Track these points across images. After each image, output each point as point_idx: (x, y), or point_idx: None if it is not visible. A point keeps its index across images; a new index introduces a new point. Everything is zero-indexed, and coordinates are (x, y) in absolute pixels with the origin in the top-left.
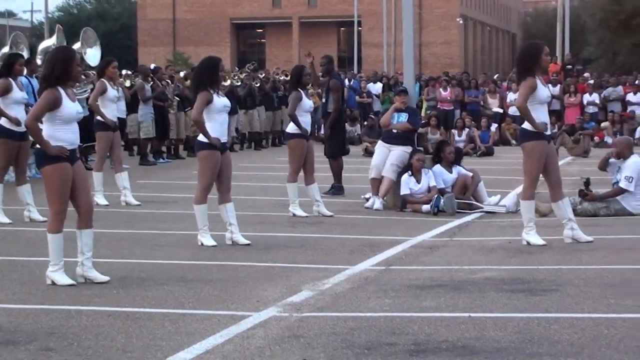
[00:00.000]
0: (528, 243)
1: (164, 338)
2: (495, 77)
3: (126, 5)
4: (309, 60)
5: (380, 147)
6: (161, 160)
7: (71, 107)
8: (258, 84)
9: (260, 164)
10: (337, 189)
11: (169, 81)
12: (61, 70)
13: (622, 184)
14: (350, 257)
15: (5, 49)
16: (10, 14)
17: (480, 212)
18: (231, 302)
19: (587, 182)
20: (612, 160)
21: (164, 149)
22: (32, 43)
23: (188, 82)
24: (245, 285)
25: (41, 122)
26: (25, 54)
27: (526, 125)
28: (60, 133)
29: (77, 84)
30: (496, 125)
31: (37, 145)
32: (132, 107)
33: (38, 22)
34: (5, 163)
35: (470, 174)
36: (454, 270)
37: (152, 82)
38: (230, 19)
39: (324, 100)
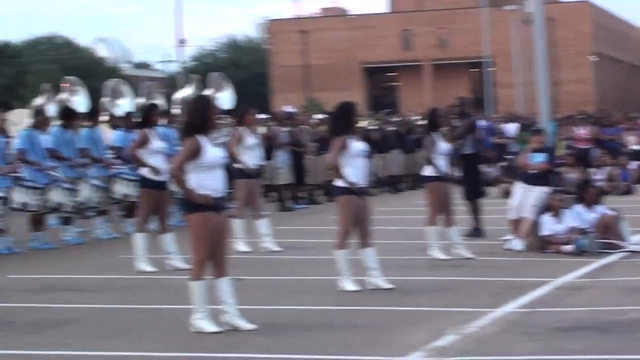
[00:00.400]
0: None
1: None
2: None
3: (259, 53)
4: None
5: (518, 188)
6: (299, 206)
7: (214, 153)
8: (393, 128)
9: (399, 207)
10: (476, 231)
11: (304, 126)
12: (200, 120)
13: None
14: (494, 299)
15: (140, 100)
16: (145, 66)
17: (625, 251)
18: (377, 347)
19: None
20: None
21: (302, 194)
22: (167, 93)
23: (323, 127)
24: (390, 330)
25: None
26: (162, 104)
27: None
28: (206, 181)
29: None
30: (637, 162)
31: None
32: (268, 153)
33: (174, 73)
34: (148, 212)
35: (612, 213)
36: (600, 311)
37: (287, 128)
38: (362, 64)
39: (459, 142)
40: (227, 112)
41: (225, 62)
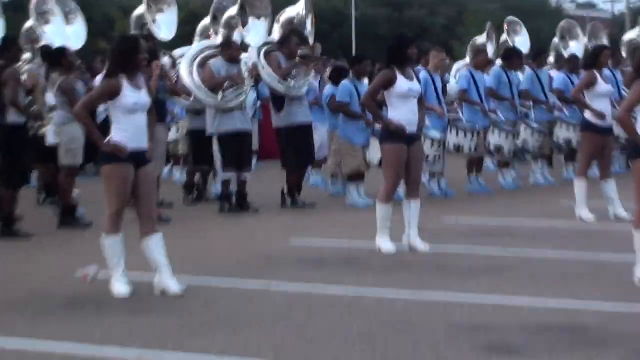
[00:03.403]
0: None
1: None
2: None
3: None
4: None
5: None
6: None
7: None
8: None
9: None
10: None
11: None
12: None
13: None
14: None
15: (585, 42)
16: (590, 5)
17: None
18: None
19: None
20: None
21: None
22: (612, 35)
23: None
24: None
25: None
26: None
27: None
28: None
29: None
30: None
31: None
32: None
33: (619, 13)
34: (590, 158)
35: None
36: None
37: None
38: None
39: None
40: None
41: None
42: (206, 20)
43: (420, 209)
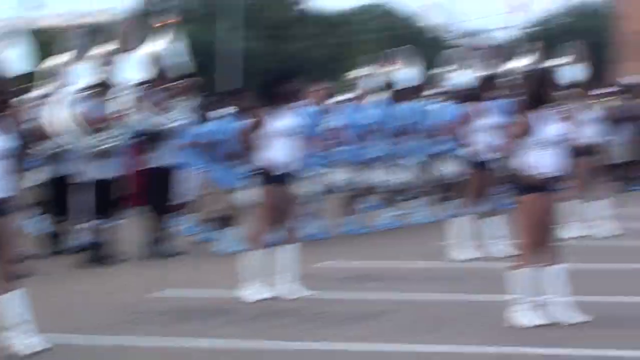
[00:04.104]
0: None
1: None
2: None
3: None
4: None
5: None
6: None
7: (552, 130)
8: None
9: None
10: None
11: None
12: (537, 94)
13: None
14: None
15: (470, 71)
16: (474, 33)
17: None
18: None
19: None
20: None
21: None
22: (494, 64)
23: None
24: None
25: None
26: (495, 75)
27: None
28: (541, 159)
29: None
30: None
31: None
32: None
33: (508, 40)
34: (474, 193)
35: None
36: None
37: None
38: None
39: None
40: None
41: (564, 28)
42: (55, 59)
43: (295, 253)
